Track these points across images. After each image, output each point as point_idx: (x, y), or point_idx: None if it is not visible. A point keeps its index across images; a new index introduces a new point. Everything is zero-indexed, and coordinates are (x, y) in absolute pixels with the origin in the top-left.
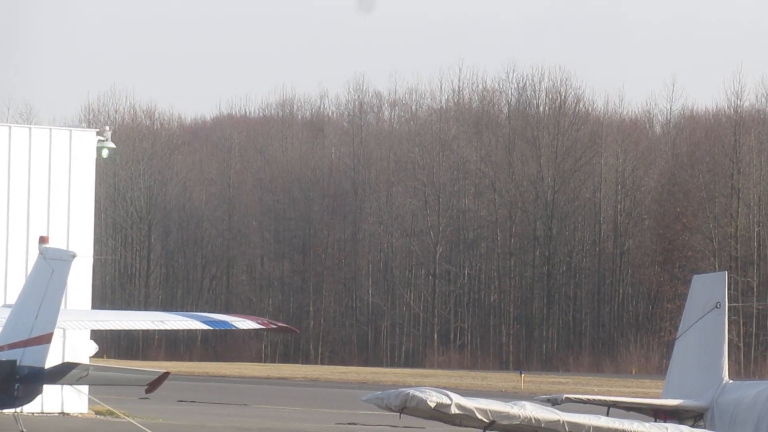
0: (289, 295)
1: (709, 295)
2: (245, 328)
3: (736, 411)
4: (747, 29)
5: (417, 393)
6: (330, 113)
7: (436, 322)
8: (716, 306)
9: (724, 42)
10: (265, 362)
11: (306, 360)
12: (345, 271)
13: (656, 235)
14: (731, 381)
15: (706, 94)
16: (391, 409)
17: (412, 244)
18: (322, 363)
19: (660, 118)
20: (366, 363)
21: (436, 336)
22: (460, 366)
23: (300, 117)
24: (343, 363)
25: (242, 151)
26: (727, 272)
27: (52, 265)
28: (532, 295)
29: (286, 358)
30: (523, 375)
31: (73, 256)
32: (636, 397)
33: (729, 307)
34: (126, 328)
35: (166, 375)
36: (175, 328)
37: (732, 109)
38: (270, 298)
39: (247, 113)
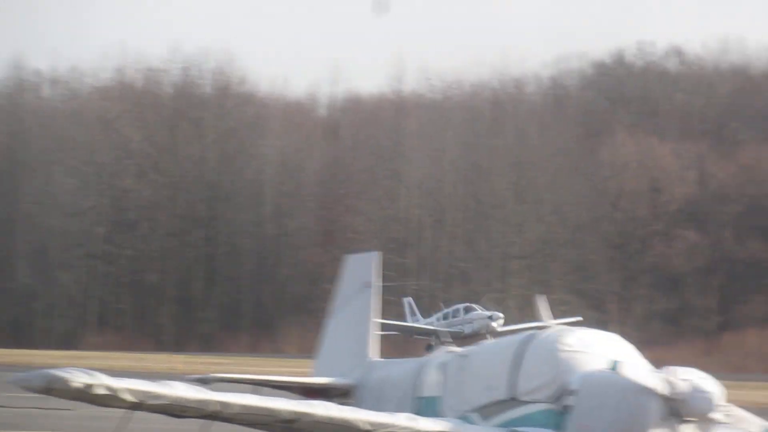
0: None
1: (360, 275)
2: None
3: (382, 388)
4: (408, 15)
5: (61, 374)
6: None
7: (93, 304)
8: (366, 286)
9: (387, 27)
10: None
11: None
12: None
13: (318, 216)
14: (379, 359)
15: (369, 78)
16: (36, 391)
17: (71, 224)
18: None
19: (324, 101)
20: (19, 345)
21: (93, 317)
22: (118, 348)
23: None
24: None
25: None
26: (379, 252)
27: None
28: (193, 276)
29: None
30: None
31: None
32: (293, 376)
33: (385, 287)
34: None
35: None
36: None
37: (394, 94)
38: None
39: None
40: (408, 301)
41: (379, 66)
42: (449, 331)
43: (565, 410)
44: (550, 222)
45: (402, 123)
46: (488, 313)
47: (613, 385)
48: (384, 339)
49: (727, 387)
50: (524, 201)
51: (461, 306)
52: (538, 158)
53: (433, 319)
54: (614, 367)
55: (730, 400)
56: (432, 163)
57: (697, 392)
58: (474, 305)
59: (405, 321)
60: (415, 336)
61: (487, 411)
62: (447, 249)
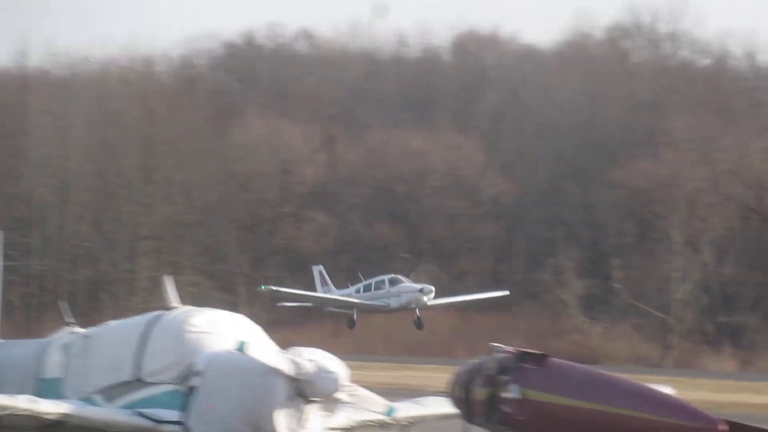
0: None
1: None
2: None
3: (2, 370)
4: None
5: None
6: None
7: None
8: None
9: (7, 2)
10: None
11: None
12: None
13: None
14: (1, 340)
15: None
16: None
17: None
18: None
19: None
20: None
21: None
22: None
23: None
24: None
25: None
26: (1, 232)
27: None
28: None
29: None
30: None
31: None
32: None
33: (7, 267)
34: None
35: None
36: None
37: (18, 69)
38: None
39: None
40: (319, 269)
41: (2, 40)
42: (373, 305)
43: (191, 391)
44: (179, 202)
45: (26, 100)
46: (418, 286)
47: (238, 365)
48: (6, 319)
49: (352, 368)
50: (153, 181)
51: (386, 278)
52: (168, 138)
53: (351, 290)
54: (241, 347)
55: (355, 381)
56: (58, 141)
57: (322, 372)
58: (400, 277)
59: (315, 292)
60: (330, 309)
61: (111, 392)
62: (73, 229)
